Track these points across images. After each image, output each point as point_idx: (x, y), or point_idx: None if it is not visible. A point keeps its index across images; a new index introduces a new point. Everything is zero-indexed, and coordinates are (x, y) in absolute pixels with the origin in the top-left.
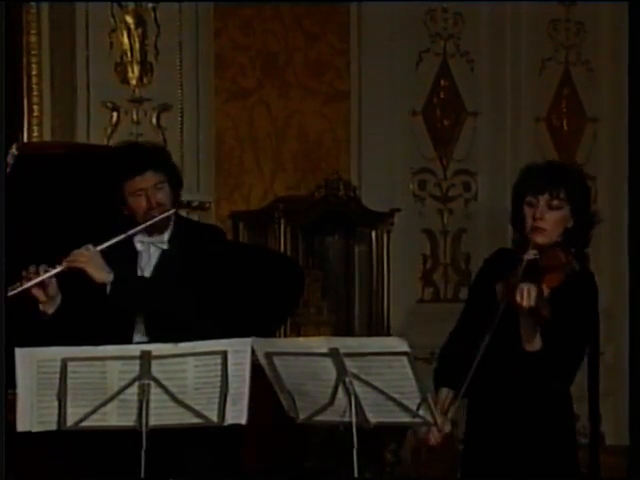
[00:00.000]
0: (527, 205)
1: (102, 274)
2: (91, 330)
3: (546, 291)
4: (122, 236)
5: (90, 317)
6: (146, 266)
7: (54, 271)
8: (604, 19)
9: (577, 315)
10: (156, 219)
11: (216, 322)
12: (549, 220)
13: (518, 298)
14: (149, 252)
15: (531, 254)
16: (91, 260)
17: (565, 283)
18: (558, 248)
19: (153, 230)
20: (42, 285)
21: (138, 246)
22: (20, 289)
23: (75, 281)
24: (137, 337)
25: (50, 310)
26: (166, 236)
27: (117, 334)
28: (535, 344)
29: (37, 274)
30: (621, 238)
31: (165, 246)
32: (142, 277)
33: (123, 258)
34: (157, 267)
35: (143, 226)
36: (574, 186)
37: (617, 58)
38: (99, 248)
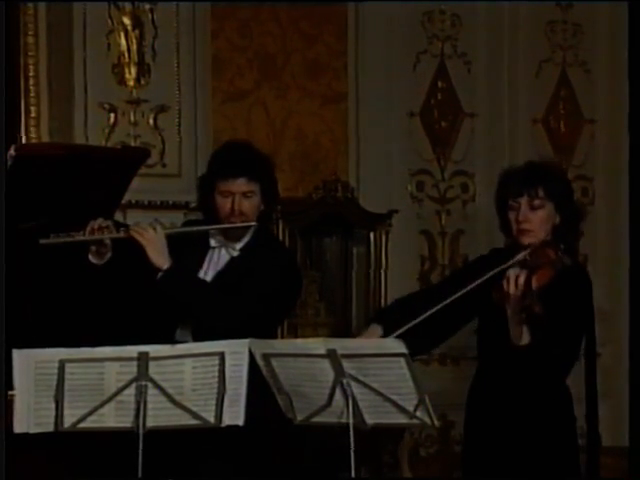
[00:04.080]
0: (510, 209)
1: (159, 258)
2: (133, 302)
3: (535, 285)
4: (193, 228)
5: (135, 287)
6: (213, 265)
7: (114, 235)
8: (601, 20)
9: (570, 310)
10: (231, 226)
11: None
12: (533, 220)
13: (505, 285)
14: (220, 253)
15: (521, 255)
16: (154, 241)
17: (557, 279)
18: (547, 246)
19: (228, 235)
20: (98, 241)
21: (212, 242)
22: (75, 240)
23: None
24: (179, 334)
25: (98, 261)
26: (240, 245)
27: (159, 323)
28: (522, 338)
29: (100, 230)
30: (619, 239)
31: (236, 253)
32: (197, 278)
33: (194, 249)
34: (222, 271)
35: (215, 227)
36: (552, 183)
37: (614, 59)
38: (167, 232)
